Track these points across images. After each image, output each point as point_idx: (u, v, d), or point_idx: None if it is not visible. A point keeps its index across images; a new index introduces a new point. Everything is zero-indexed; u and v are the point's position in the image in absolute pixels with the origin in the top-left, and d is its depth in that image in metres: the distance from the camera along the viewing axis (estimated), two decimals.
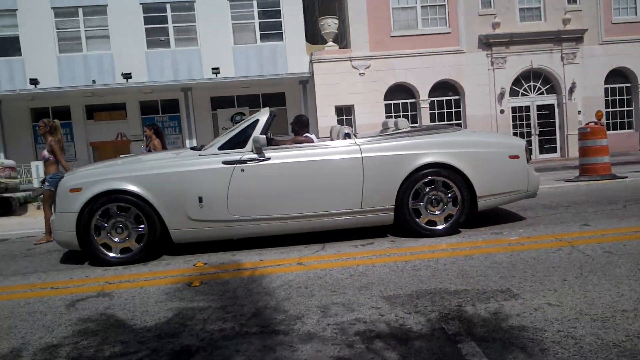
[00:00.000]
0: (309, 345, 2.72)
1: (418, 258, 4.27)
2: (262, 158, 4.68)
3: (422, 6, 17.78)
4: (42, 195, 6.87)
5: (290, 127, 5.73)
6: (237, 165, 4.66)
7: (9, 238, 6.56)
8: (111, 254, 4.65)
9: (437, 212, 4.92)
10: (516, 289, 3.38)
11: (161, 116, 19.61)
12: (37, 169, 15.28)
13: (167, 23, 17.85)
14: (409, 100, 18.36)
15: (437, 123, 17.85)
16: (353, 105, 17.71)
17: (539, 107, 18.58)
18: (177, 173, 4.66)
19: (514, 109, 18.48)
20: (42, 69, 17.10)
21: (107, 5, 17.41)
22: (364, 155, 4.74)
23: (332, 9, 19.78)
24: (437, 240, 4.82)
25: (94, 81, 17.44)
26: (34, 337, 3.10)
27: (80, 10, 17.45)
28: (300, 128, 5.54)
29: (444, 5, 17.81)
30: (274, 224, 4.74)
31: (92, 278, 4.36)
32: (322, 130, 16.96)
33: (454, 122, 18.44)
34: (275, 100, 19.85)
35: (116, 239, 4.66)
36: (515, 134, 18.29)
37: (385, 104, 18.03)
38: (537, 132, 18.55)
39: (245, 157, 4.69)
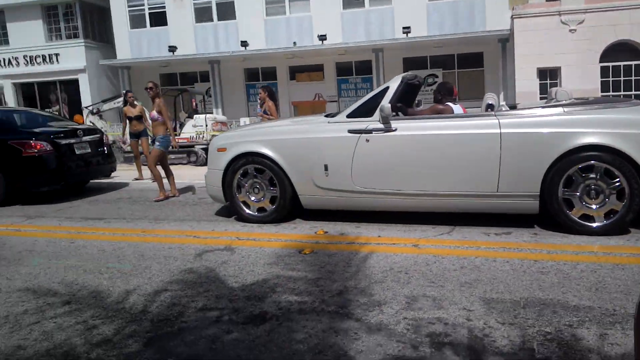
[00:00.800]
0: (373, 337, 2.60)
1: (553, 259, 3.66)
2: (388, 128, 4.47)
3: None
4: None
5: (433, 94, 5.30)
6: (362, 134, 4.54)
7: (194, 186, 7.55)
8: (248, 211, 5.06)
9: (594, 206, 4.10)
10: None
11: (354, 77, 20.12)
12: (246, 124, 17.26)
13: None
14: (633, 62, 15.35)
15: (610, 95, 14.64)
16: (559, 68, 15.55)
17: None
18: (306, 139, 4.75)
19: None
20: (252, 32, 18.93)
21: None
22: (502, 130, 4.15)
23: None
24: (591, 240, 4.03)
25: (294, 43, 18.66)
26: (157, 279, 3.60)
27: None
28: (443, 96, 5.07)
29: None
30: (396, 200, 4.55)
31: (228, 232, 4.83)
32: (520, 95, 15.38)
33: None
34: (471, 61, 18.64)
35: (253, 198, 5.04)
36: None
37: (602, 67, 15.40)
38: None
39: (371, 126, 4.53)
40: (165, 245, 4.47)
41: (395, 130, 4.44)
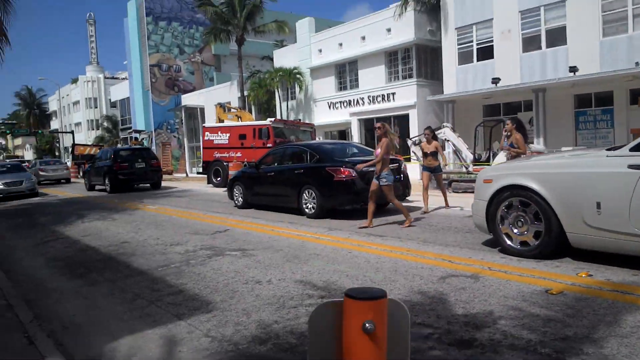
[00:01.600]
0: None
1: None
2: None
3: None
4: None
5: None
6: None
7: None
8: (510, 243, 4.88)
9: None
10: None
11: None
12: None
13: None
14: None
15: None
16: None
17: None
18: (577, 174, 4.30)
19: None
20: (584, 56, 17.31)
21: None
22: None
23: None
24: None
25: (637, 63, 16.12)
26: (396, 292, 3.99)
27: None
28: None
29: None
30: None
31: (484, 261, 4.79)
32: None
33: None
34: None
35: (516, 231, 4.84)
36: None
37: None
38: None
39: None
40: (419, 265, 4.80)
41: None
